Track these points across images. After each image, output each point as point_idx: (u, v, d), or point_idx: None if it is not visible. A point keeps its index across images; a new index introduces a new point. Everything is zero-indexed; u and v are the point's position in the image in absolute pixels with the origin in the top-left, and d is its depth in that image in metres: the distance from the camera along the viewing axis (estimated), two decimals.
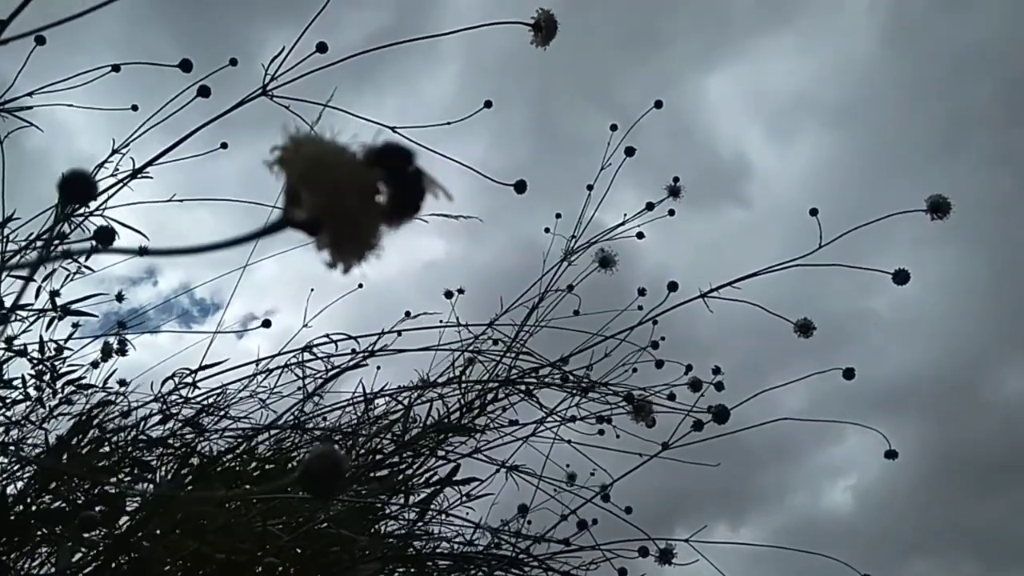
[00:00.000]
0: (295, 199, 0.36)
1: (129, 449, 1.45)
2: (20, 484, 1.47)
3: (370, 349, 1.51)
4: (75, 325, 1.99)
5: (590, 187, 1.94)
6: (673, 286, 1.56)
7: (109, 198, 1.22)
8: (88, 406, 1.79)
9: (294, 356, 1.53)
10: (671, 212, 1.99)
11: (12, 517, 1.33)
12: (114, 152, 1.28)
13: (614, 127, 2.00)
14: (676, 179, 1.84)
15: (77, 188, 0.37)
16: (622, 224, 1.84)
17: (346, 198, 0.36)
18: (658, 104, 1.98)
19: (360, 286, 1.97)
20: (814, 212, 1.43)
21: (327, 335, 1.49)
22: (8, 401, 1.82)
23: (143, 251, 0.37)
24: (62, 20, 0.54)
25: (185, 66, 1.24)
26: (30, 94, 1.21)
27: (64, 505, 1.39)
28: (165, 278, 2.77)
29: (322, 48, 1.22)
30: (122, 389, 1.94)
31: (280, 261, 2.00)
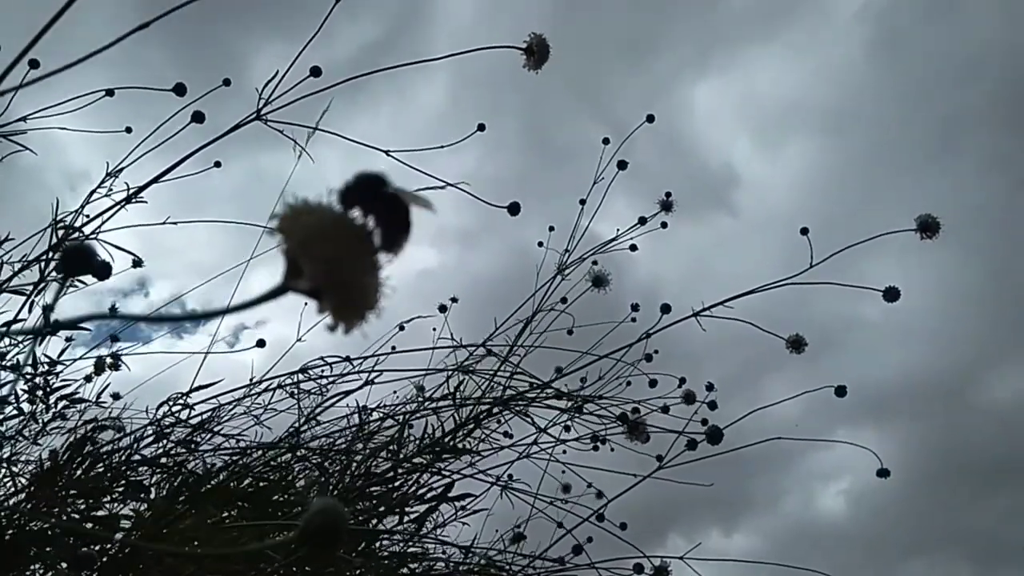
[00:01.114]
0: (295, 267, 0.37)
1: (123, 469, 1.44)
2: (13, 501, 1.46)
3: (368, 376, 1.51)
4: (68, 339, 1.98)
5: (583, 201, 1.94)
6: (666, 308, 1.57)
7: (104, 222, 1.22)
8: (82, 423, 1.78)
9: (288, 377, 1.53)
10: (664, 225, 2.01)
11: (6, 537, 1.32)
12: (108, 175, 1.28)
13: (606, 140, 2.01)
14: (668, 194, 1.86)
15: (78, 262, 0.37)
16: (615, 239, 1.85)
17: (345, 265, 0.36)
18: (650, 118, 2.00)
19: None
20: (805, 231, 1.45)
21: (322, 358, 1.49)
22: (1, 416, 1.81)
23: (165, 318, 0.38)
24: (70, 64, 0.54)
25: (179, 90, 1.25)
26: (24, 119, 1.21)
27: (57, 527, 1.39)
28: (156, 289, 2.76)
29: (316, 72, 1.23)
30: (116, 404, 1.93)
31: (272, 271, 1.99)
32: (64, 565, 1.37)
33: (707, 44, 4.57)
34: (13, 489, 1.41)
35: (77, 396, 1.95)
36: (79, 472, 1.44)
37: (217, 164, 1.52)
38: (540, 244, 2.01)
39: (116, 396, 2.05)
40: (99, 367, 2.08)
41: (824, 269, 1.62)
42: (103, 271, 0.73)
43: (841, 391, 1.47)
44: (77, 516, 1.43)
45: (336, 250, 0.36)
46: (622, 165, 1.99)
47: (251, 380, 1.65)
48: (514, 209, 1.24)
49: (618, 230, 1.84)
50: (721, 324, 1.72)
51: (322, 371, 1.55)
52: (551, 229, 2.03)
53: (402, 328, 1.95)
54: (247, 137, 1.46)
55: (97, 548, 1.18)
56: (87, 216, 1.29)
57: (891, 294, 1.41)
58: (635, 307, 1.76)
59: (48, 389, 1.90)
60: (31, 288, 1.27)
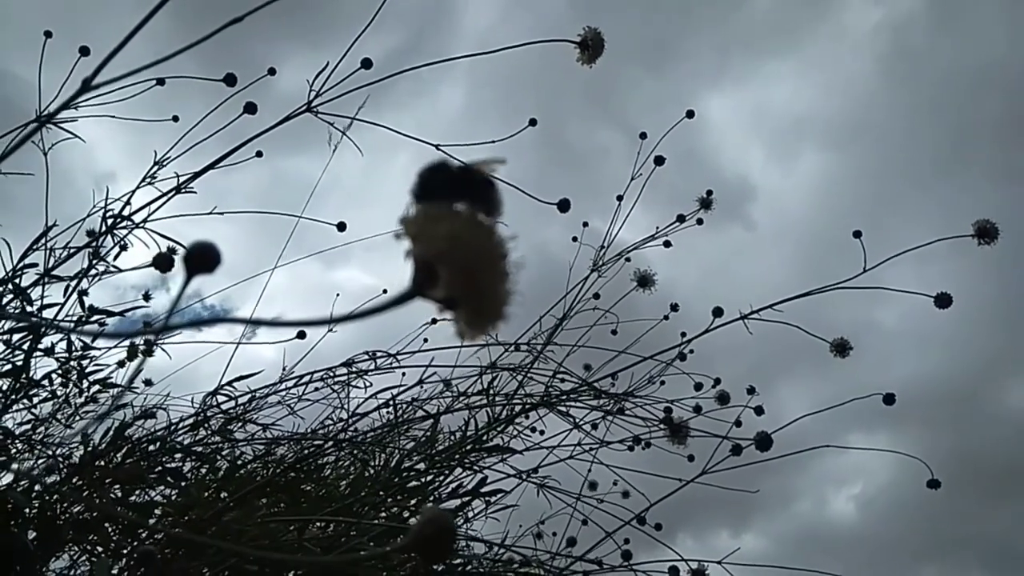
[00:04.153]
0: (429, 274, 0.36)
1: (160, 456, 1.45)
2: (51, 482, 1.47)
3: (420, 376, 1.50)
4: (102, 325, 1.99)
5: (620, 198, 1.93)
6: (718, 312, 1.55)
7: (152, 212, 1.22)
8: (117, 411, 1.79)
9: (329, 371, 1.53)
10: (700, 221, 1.99)
11: (46, 520, 1.33)
12: (156, 164, 1.28)
13: (643, 135, 2.00)
14: (709, 191, 1.84)
15: (205, 260, 0.36)
16: (653, 236, 1.84)
17: (484, 274, 0.35)
18: (690, 114, 1.98)
19: (384, 291, 1.97)
20: (858, 235, 1.43)
21: (367, 352, 1.49)
22: (36, 400, 1.82)
23: (257, 322, 0.37)
24: (131, 71, 0.53)
25: (229, 80, 1.24)
26: (75, 106, 1.20)
27: (95, 512, 1.39)
28: (178, 286, 2.75)
29: (367, 64, 1.22)
30: (149, 390, 1.95)
31: (289, 269, 1.99)
32: (100, 550, 1.37)
33: (723, 55, 4.54)
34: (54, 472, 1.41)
35: (110, 381, 1.97)
36: (116, 459, 1.45)
37: (259, 154, 1.52)
38: (574, 239, 2.00)
39: (148, 382, 2.06)
40: (132, 353, 2.09)
41: (841, 275, 1.60)
42: (166, 263, 0.72)
43: (889, 399, 1.45)
44: (113, 502, 1.43)
45: (476, 258, 0.35)
46: (659, 161, 1.97)
47: (284, 371, 1.66)
48: (564, 206, 1.22)
49: (657, 227, 1.82)
50: (729, 329, 1.70)
51: (358, 365, 1.55)
52: (585, 225, 2.02)
53: (434, 322, 1.95)
54: (266, 142, 1.45)
55: (156, 541, 1.18)
56: (131, 205, 1.29)
57: (942, 300, 1.39)
58: (675, 307, 1.74)
59: (81, 372, 1.92)
60: (75, 276, 1.27)
